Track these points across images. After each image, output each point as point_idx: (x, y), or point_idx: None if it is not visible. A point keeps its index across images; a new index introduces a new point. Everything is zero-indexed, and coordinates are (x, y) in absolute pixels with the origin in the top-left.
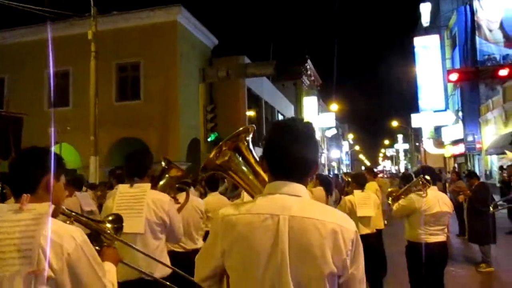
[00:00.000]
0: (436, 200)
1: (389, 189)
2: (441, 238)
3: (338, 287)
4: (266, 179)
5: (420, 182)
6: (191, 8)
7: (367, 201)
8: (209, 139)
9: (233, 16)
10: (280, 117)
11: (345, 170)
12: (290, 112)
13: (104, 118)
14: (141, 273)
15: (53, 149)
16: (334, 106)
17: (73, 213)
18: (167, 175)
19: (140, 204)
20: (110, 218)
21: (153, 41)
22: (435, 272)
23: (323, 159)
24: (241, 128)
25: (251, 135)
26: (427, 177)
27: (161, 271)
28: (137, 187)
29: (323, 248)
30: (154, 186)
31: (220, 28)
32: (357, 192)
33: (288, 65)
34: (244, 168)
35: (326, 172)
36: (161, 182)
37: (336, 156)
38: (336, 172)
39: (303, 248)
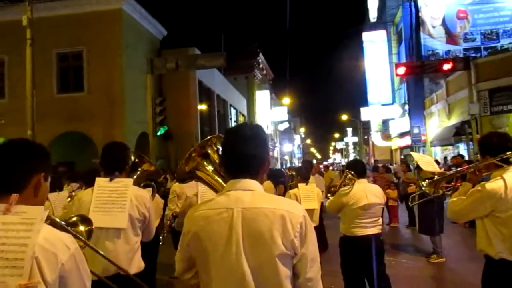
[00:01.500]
0: (363, 193)
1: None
2: (374, 230)
3: (293, 268)
4: None
5: (348, 177)
6: None
7: (311, 194)
8: (158, 133)
9: (183, 6)
10: (233, 111)
11: (297, 164)
12: (242, 106)
13: (44, 111)
14: (118, 269)
15: None
16: (286, 100)
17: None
18: (139, 169)
19: (123, 199)
20: (75, 218)
21: (97, 30)
22: (370, 265)
23: (276, 153)
24: (209, 136)
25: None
26: (352, 172)
27: (135, 267)
28: (118, 181)
29: (272, 232)
30: None
31: (169, 19)
32: (301, 185)
33: (240, 58)
34: (213, 171)
35: (279, 166)
36: (135, 177)
37: (288, 149)
38: (288, 165)
39: (255, 235)
